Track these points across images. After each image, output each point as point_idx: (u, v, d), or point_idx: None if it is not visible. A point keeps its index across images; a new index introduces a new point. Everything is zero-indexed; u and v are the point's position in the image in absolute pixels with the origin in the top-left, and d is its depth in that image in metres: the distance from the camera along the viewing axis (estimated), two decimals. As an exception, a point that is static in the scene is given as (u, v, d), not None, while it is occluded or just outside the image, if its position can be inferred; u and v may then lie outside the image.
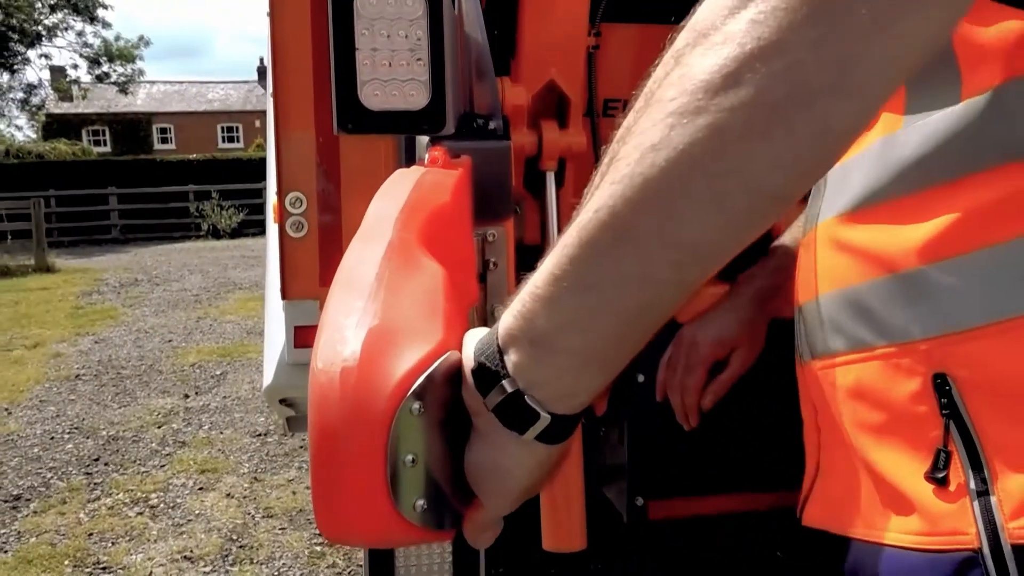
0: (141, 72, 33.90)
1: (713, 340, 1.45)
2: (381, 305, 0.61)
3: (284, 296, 2.89)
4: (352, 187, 2.90)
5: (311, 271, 2.93)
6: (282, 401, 3.16)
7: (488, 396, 0.60)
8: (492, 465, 0.63)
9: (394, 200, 0.85)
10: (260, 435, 5.42)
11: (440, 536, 0.63)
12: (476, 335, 0.64)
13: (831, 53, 0.49)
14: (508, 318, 0.61)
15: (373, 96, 1.39)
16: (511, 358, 0.60)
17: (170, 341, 8.58)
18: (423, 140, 1.61)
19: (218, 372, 7.20)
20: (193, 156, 26.19)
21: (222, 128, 46.34)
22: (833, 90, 0.50)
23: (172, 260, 16.42)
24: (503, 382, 0.60)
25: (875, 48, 0.49)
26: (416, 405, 0.58)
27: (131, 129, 43.51)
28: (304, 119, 2.83)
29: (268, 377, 3.10)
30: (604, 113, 2.21)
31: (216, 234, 21.50)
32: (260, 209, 22.08)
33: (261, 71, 49.05)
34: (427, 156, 1.30)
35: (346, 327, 0.60)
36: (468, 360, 0.62)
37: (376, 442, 0.57)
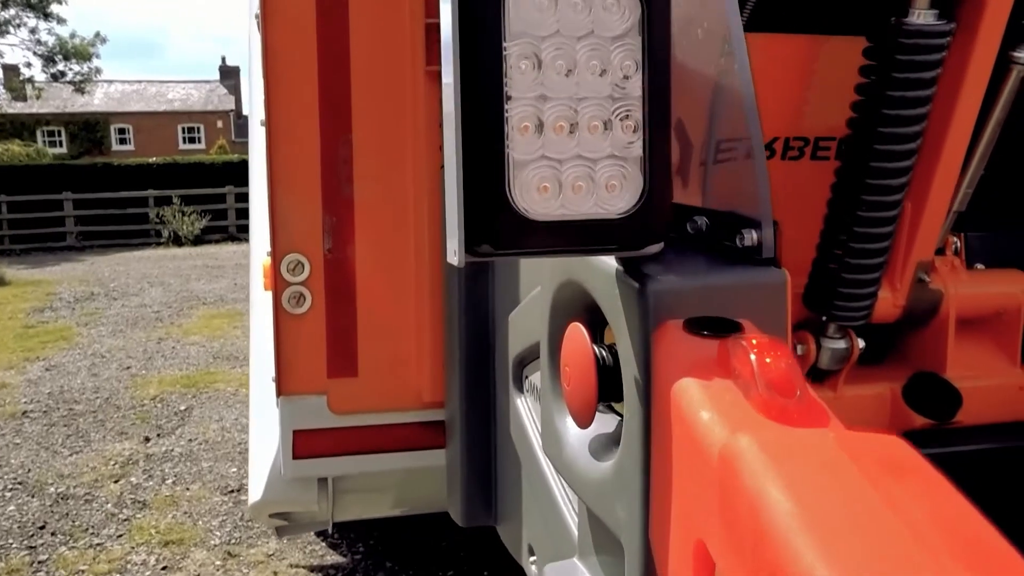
0: (98, 70, 32.63)
1: None
2: None
3: (280, 391, 2.18)
4: (372, 246, 2.21)
5: (316, 358, 2.21)
6: (272, 515, 2.56)
7: None
8: None
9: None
10: (232, 491, 4.80)
11: None
12: None
13: None
14: None
15: (536, 192, 0.72)
16: None
17: (128, 368, 7.89)
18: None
19: (182, 407, 6.55)
20: (153, 160, 25.11)
21: (183, 129, 45.10)
22: None
23: (131, 270, 15.59)
24: None
25: None
26: None
27: (88, 130, 42.10)
28: (307, 162, 2.15)
29: (257, 492, 2.46)
30: None
31: (178, 241, 20.70)
32: (223, 215, 21.30)
33: (223, 70, 47.93)
34: (738, 352, 0.75)
35: None
36: None
37: None
